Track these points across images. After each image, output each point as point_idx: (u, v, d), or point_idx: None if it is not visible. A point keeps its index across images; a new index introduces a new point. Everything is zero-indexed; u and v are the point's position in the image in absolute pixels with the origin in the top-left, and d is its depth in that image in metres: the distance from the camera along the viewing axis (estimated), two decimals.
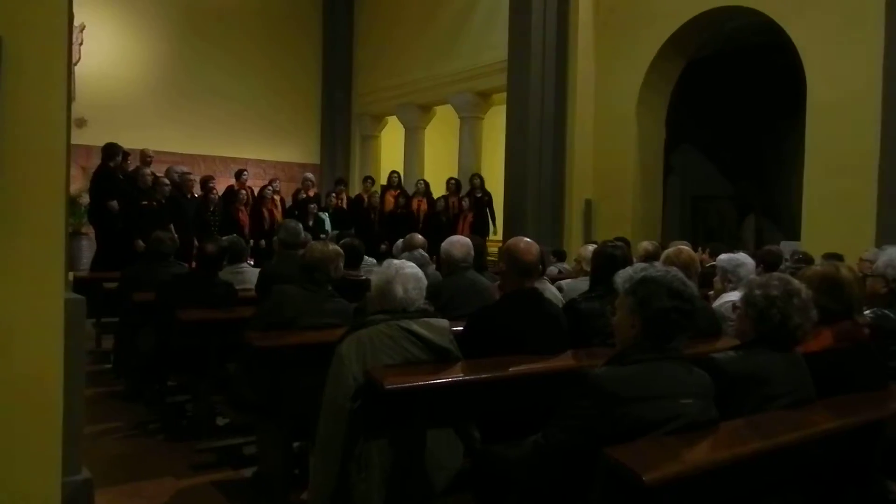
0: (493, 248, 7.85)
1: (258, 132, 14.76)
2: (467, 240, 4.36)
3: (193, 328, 4.21)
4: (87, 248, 10.80)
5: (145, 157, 8.98)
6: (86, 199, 9.12)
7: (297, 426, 3.37)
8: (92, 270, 8.04)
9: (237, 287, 4.90)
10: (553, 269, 7.81)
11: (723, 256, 4.14)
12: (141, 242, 7.83)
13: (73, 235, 10.90)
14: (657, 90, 9.91)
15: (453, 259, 4.20)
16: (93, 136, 11.38)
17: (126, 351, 5.25)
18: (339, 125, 15.51)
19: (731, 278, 3.96)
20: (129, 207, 8.12)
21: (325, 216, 10.46)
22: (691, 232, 12.00)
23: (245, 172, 10.57)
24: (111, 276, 6.05)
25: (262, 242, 9.80)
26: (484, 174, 11.22)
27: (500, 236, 10.54)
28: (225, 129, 14.26)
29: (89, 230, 9.72)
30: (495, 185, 11.08)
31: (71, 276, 6.67)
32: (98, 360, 6.11)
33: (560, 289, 4.69)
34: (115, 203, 8.03)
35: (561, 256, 8.63)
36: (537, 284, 3.27)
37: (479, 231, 10.00)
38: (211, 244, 4.69)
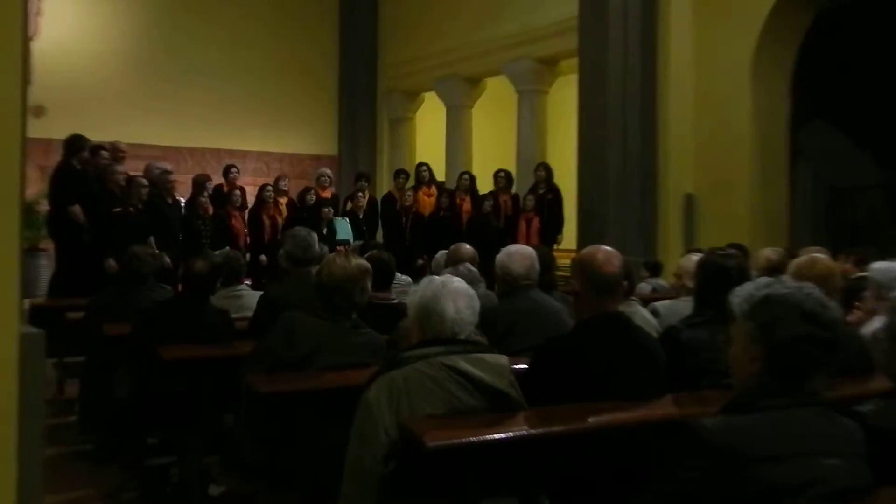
0: (563, 261, 7.81)
1: (260, 118, 15.05)
2: (530, 250, 4.36)
3: (180, 369, 4.28)
4: (46, 268, 11.07)
5: (117, 152, 9.22)
6: (45, 206, 9.36)
7: (312, 496, 3.38)
8: (52, 296, 8.27)
9: (234, 315, 4.97)
10: (644, 287, 7.74)
11: (875, 265, 4.05)
12: (112, 261, 8.02)
13: (30, 252, 11.20)
14: (777, 52, 9.77)
15: (512, 275, 4.20)
16: (53, 128, 11.69)
17: (96, 399, 5.36)
18: (362, 106, 15.71)
19: (886, 295, 3.84)
20: (99, 216, 8.32)
21: (344, 222, 10.55)
22: (829, 234, 11.74)
23: (234, 169, 10.81)
24: (76, 304, 6.19)
25: (263, 258, 9.97)
26: (551, 164, 11.20)
27: (572, 244, 10.49)
28: (218, 115, 14.58)
29: (49, 245, 9.99)
30: (566, 179, 11.06)
31: (26, 303, 6.87)
32: (60, 412, 6.25)
33: (654, 312, 4.67)
34: (78, 209, 8.24)
35: (654, 269, 8.55)
36: (623, 307, 3.25)
37: (545, 238, 9.99)
38: (200, 261, 4.79)
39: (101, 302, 5.54)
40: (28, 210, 10.64)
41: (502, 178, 10.88)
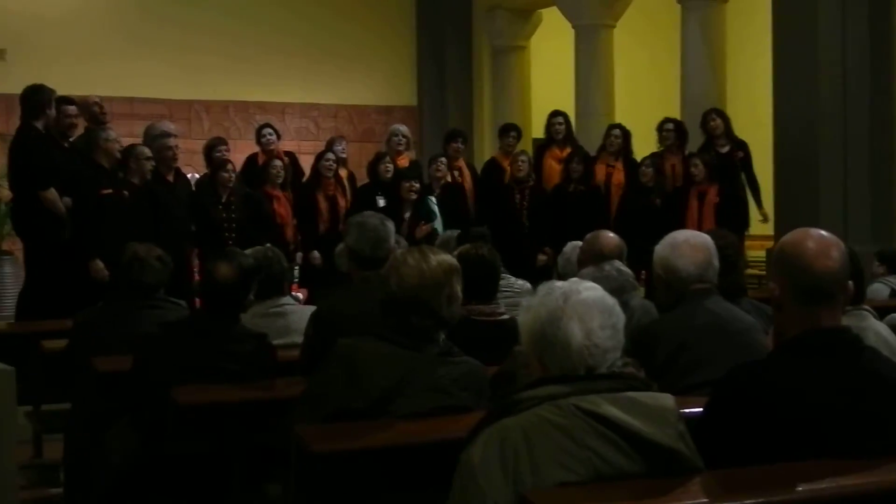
0: (755, 253, 7.68)
1: (303, 56, 15.20)
2: (704, 239, 4.32)
3: (201, 421, 4.35)
4: (13, 279, 11.45)
5: (92, 109, 9.32)
6: (6, 191, 9.63)
7: None
8: (21, 318, 8.51)
9: (276, 341, 5.04)
10: (880, 290, 7.54)
11: None
12: (100, 263, 8.22)
13: None
14: None
15: (679, 277, 4.18)
16: (14, 79, 12.07)
17: (86, 465, 5.45)
18: (451, 31, 15.78)
19: None
20: (81, 201, 8.52)
21: (431, 202, 10.58)
22: None
23: (269, 130, 10.87)
24: (55, 328, 6.36)
25: (316, 255, 10.10)
26: (733, 111, 11.02)
27: (767, 229, 10.30)
28: (244, 55, 14.77)
29: (14, 246, 10.31)
30: (752, 133, 10.86)
31: None
32: (39, 480, 6.41)
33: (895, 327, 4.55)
34: (54, 194, 8.38)
35: (894, 264, 8.34)
36: (847, 320, 3.18)
37: (728, 220, 9.83)
38: (224, 265, 4.82)
39: (89, 323, 5.64)
40: None
41: (670, 132, 10.73)
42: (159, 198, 9.14)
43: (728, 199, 10.11)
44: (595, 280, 3.56)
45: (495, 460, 2.68)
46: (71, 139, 8.95)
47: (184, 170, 10.27)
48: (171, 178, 9.50)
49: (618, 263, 4.78)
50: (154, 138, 9.66)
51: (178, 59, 14.28)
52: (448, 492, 2.77)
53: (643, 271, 8.69)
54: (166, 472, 4.59)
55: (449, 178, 10.87)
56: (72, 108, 8.97)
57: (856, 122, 9.84)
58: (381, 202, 9.96)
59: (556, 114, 11.38)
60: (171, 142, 9.61)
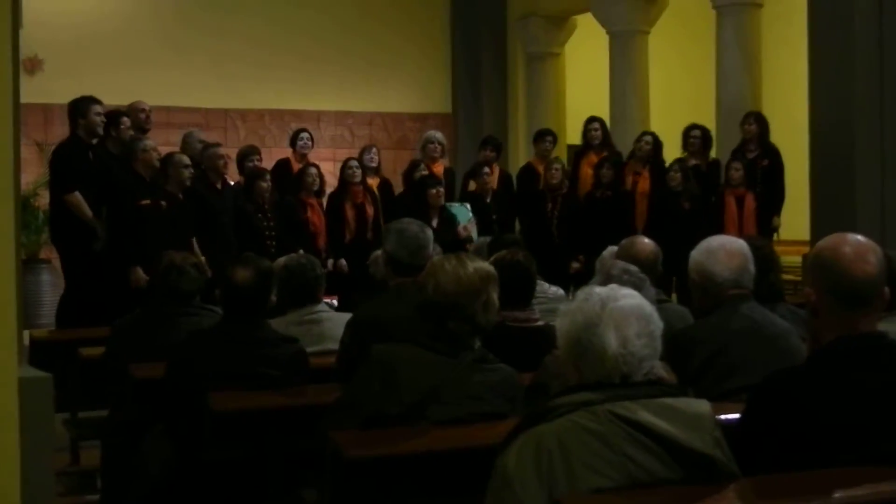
0: (791, 258, 7.64)
1: (337, 64, 15.23)
2: (740, 245, 4.32)
3: (237, 428, 4.38)
4: (51, 287, 11.53)
5: (139, 115, 9.49)
6: (46, 200, 9.71)
7: None
8: (60, 325, 8.59)
9: (310, 349, 5.07)
10: None
11: None
12: (140, 272, 8.28)
13: (28, 265, 11.68)
14: None
15: (715, 282, 4.17)
16: (53, 89, 12.16)
17: (124, 471, 5.48)
18: (486, 39, 15.77)
19: None
20: (119, 210, 8.61)
21: (464, 209, 10.59)
22: None
23: (304, 135, 10.94)
24: (93, 336, 6.39)
25: (343, 263, 10.17)
26: (768, 116, 10.97)
27: (803, 233, 10.24)
28: (279, 62, 14.83)
29: (53, 254, 10.38)
30: (790, 136, 10.80)
31: (26, 336, 7.16)
32: (76, 487, 6.47)
33: None
34: (79, 197, 8.42)
35: None
36: (883, 325, 3.15)
37: (764, 226, 9.79)
38: (241, 269, 4.81)
39: (127, 332, 5.69)
40: (24, 206, 11.09)
41: (696, 139, 10.74)
42: (211, 204, 9.25)
43: (765, 207, 10.14)
44: (628, 284, 3.55)
45: (530, 466, 2.69)
46: (97, 139, 8.99)
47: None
48: (219, 185, 9.61)
49: (622, 264, 4.74)
50: (205, 149, 9.77)
51: (215, 67, 14.35)
52: (483, 498, 2.77)
53: (674, 277, 8.70)
54: (203, 479, 4.62)
55: (483, 184, 10.89)
56: (126, 119, 9.20)
57: (894, 125, 9.76)
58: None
59: (592, 119, 11.40)
60: (222, 151, 9.82)
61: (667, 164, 10.76)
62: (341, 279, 9.96)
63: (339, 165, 11.15)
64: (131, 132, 9.22)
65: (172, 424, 4.82)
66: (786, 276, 6.25)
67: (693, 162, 10.67)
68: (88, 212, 8.49)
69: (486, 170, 10.95)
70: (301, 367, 4.83)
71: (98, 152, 8.78)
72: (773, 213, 10.29)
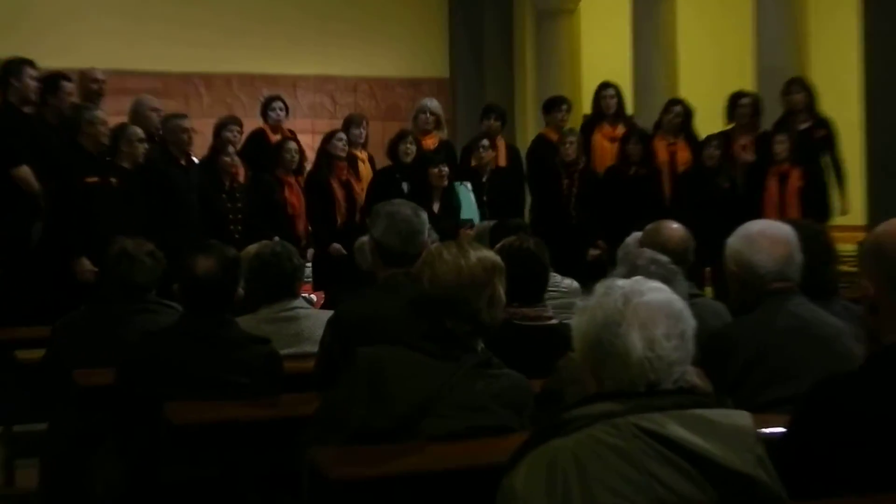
0: (845, 246, 7.62)
1: (317, 22, 15.23)
2: (784, 231, 4.32)
3: (198, 443, 4.36)
4: None
5: (90, 85, 9.48)
6: None
7: None
8: None
9: (284, 351, 5.06)
10: None
11: None
12: (87, 262, 8.25)
13: None
14: None
15: (756, 273, 4.18)
16: None
17: (66, 494, 5.49)
18: None
19: None
20: (62, 190, 8.58)
21: (465, 189, 10.56)
22: None
23: (277, 104, 10.95)
24: (30, 336, 6.41)
25: (337, 247, 10.15)
26: (820, 83, 10.95)
27: (856, 218, 10.24)
28: (249, 20, 14.81)
29: None
30: (837, 108, 10.80)
31: None
32: None
33: None
34: (28, 171, 8.42)
35: None
36: None
37: (812, 208, 9.79)
38: (203, 256, 4.78)
39: (71, 332, 5.66)
40: None
41: (745, 106, 10.71)
42: (174, 182, 9.26)
43: (811, 184, 10.09)
44: (655, 277, 3.53)
45: (541, 488, 2.67)
46: (32, 107, 8.96)
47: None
48: (183, 162, 9.59)
49: (650, 253, 4.72)
50: (168, 120, 9.74)
51: (174, 23, 14.34)
52: None
53: (708, 268, 8.69)
54: (158, 503, 4.61)
55: (486, 160, 10.88)
56: (69, 84, 9.18)
57: None
58: (405, 188, 9.95)
59: (605, 85, 11.40)
60: (186, 123, 9.71)
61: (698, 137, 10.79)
62: (331, 270, 9.98)
63: (318, 138, 11.15)
64: (73, 99, 9.20)
65: (124, 439, 4.82)
66: (842, 268, 6.22)
67: (743, 138, 10.60)
68: (37, 185, 8.48)
69: (484, 142, 10.92)
70: (274, 372, 4.82)
71: (33, 122, 8.76)
72: (830, 191, 10.26)
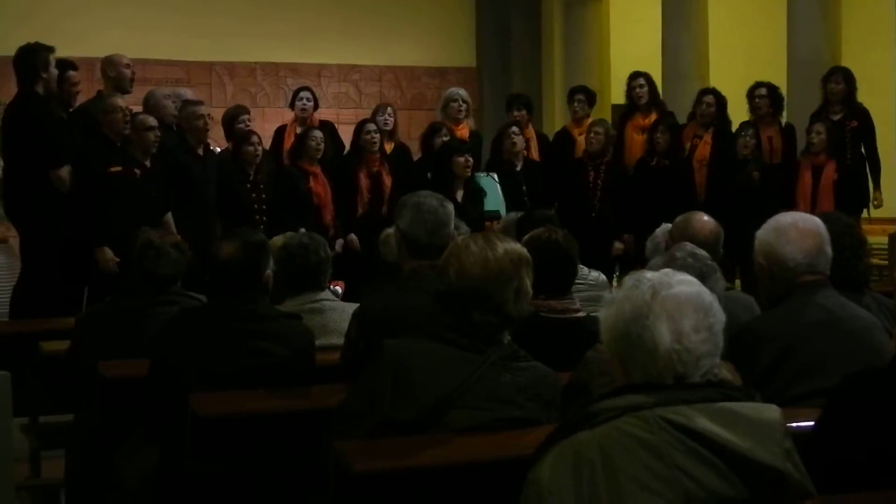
0: (876, 239, 7.62)
1: (344, 10, 15.19)
2: (815, 223, 4.30)
3: (225, 436, 4.37)
4: (6, 271, 11.56)
5: (122, 70, 9.46)
6: None
7: None
8: (15, 315, 8.63)
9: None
10: None
11: None
12: (110, 253, 8.29)
13: None
14: None
15: (786, 266, 4.16)
16: (8, 39, 12.14)
17: (92, 486, 5.49)
18: None
19: None
20: (85, 181, 8.62)
21: (491, 181, 10.55)
22: None
23: (307, 95, 10.89)
24: (55, 327, 6.43)
25: (354, 239, 10.16)
26: (859, 71, 10.91)
27: (890, 211, 10.19)
28: (275, 5, 14.79)
29: (9, 231, 10.40)
30: (870, 98, 10.76)
31: None
32: (36, 503, 6.50)
33: None
34: (66, 173, 8.48)
35: None
36: None
37: (846, 201, 9.75)
38: (227, 242, 4.85)
39: (96, 324, 5.68)
40: None
41: (764, 98, 10.66)
42: (190, 172, 9.25)
43: (845, 177, 10.04)
44: (683, 269, 3.54)
45: (568, 481, 2.68)
46: (72, 109, 9.04)
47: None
48: (200, 151, 9.58)
49: (690, 247, 4.69)
50: (185, 107, 9.73)
51: (198, 14, 14.32)
52: None
53: (738, 260, 8.66)
54: (186, 495, 4.61)
55: (514, 151, 10.82)
56: (75, 74, 9.18)
57: None
58: (429, 176, 9.95)
59: (636, 75, 11.31)
60: (204, 110, 9.70)
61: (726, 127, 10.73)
62: (353, 262, 9.96)
63: (342, 129, 11.13)
64: (78, 88, 9.22)
65: (153, 432, 4.83)
66: (874, 261, 6.22)
67: (769, 129, 10.55)
68: (69, 185, 8.53)
69: (514, 129, 10.85)
70: (309, 346, 4.86)
71: (60, 114, 8.80)
72: (863, 183, 10.22)
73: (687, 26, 13.76)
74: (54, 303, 7.94)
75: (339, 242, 9.98)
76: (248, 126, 10.27)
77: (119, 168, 8.64)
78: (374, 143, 10.33)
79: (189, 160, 9.38)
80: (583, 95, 11.38)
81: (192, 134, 9.52)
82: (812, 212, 5.23)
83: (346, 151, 10.89)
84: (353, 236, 10.15)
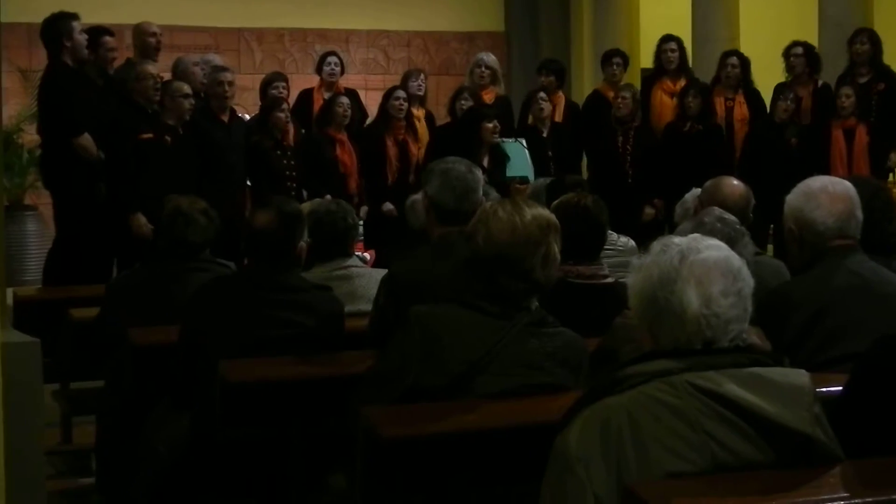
0: None
1: None
2: (845, 187, 4.27)
3: (254, 402, 4.39)
4: (37, 237, 11.61)
5: (147, 39, 9.48)
6: (33, 137, 9.71)
7: None
8: (48, 282, 8.69)
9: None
10: None
11: None
12: (143, 219, 8.32)
13: (11, 212, 11.75)
14: None
15: (815, 230, 4.15)
16: (40, 5, 12.17)
17: (122, 452, 5.52)
18: None
19: None
20: (118, 147, 8.66)
21: (519, 146, 10.52)
22: None
23: (335, 60, 10.85)
24: (86, 294, 6.47)
25: (389, 207, 10.12)
26: (884, 36, 10.83)
27: None
28: None
29: (40, 200, 10.44)
30: None
31: (10, 295, 7.21)
32: (68, 468, 6.55)
33: None
34: (89, 140, 8.52)
35: None
36: None
37: (879, 164, 9.69)
38: (262, 211, 4.87)
39: (126, 291, 5.73)
40: (5, 143, 11.15)
41: (800, 58, 10.60)
42: (214, 139, 9.24)
43: (878, 140, 10.00)
44: (712, 233, 3.52)
45: (596, 447, 2.68)
46: (111, 74, 9.08)
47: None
48: (225, 118, 9.55)
49: (718, 211, 4.65)
50: (209, 73, 9.74)
51: None
52: (540, 483, 2.77)
53: (772, 225, 8.63)
54: (217, 461, 4.65)
55: (541, 116, 10.82)
56: (111, 39, 9.26)
57: None
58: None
59: (667, 39, 11.25)
60: (227, 76, 9.65)
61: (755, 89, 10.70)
62: (382, 229, 9.96)
63: (370, 95, 11.12)
64: (115, 55, 9.27)
65: (182, 399, 4.85)
66: None
67: (803, 90, 10.48)
68: (96, 152, 8.56)
69: (542, 95, 10.83)
70: (339, 317, 4.87)
71: (87, 81, 8.84)
72: (890, 147, 10.15)
73: None
74: (86, 269, 7.98)
75: (364, 210, 9.96)
76: (282, 94, 10.23)
77: (150, 135, 8.68)
78: (402, 109, 10.27)
79: (211, 126, 9.36)
80: (620, 59, 11.35)
81: (214, 100, 9.52)
82: (848, 175, 5.19)
83: (369, 120, 10.86)
84: (388, 204, 10.10)
